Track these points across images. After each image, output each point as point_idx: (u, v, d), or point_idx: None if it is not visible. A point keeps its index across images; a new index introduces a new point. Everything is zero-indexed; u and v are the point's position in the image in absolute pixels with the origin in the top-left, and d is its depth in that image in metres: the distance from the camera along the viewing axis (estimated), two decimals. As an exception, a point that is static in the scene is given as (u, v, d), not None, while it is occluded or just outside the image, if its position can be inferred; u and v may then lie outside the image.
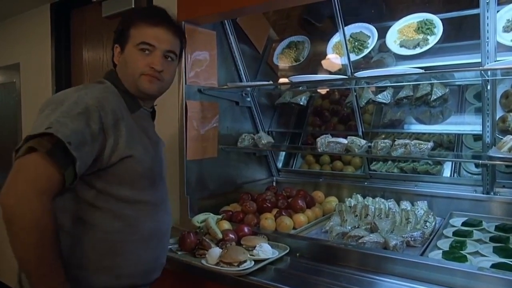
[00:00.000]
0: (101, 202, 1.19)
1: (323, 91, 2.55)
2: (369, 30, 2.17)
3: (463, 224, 1.76)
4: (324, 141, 1.94)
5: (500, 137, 1.73)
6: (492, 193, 1.87)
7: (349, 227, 1.74)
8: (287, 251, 1.63)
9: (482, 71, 1.63)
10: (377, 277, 1.41)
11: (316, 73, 2.32)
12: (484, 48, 1.66)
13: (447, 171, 2.08)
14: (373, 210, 1.88)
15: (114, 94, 1.26)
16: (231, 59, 2.36)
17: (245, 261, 1.50)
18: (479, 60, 1.68)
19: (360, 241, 1.58)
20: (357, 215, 1.88)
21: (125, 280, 1.23)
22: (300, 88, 2.36)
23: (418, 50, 1.95)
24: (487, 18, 1.63)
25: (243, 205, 2.05)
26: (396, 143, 1.75)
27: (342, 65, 2.18)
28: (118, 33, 1.33)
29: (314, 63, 2.37)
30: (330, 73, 2.26)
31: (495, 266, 1.35)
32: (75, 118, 1.09)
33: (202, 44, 2.12)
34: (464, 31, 1.96)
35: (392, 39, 2.06)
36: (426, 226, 1.74)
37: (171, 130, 2.19)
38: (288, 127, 2.72)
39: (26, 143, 1.04)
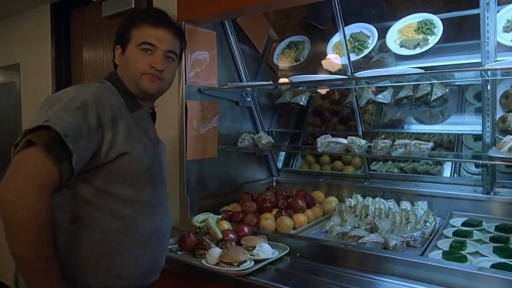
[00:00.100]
0: (100, 201, 1.19)
1: (323, 91, 2.55)
2: (369, 30, 2.17)
3: (463, 224, 1.76)
4: (324, 141, 1.94)
5: (500, 137, 1.73)
6: (492, 193, 1.87)
7: (349, 227, 1.74)
8: (287, 251, 1.62)
9: (482, 71, 1.63)
10: (377, 277, 1.41)
11: (316, 73, 2.32)
12: (484, 48, 1.66)
13: (447, 171, 2.08)
14: (373, 210, 1.88)
15: (113, 92, 1.27)
16: (231, 59, 2.35)
17: (245, 261, 1.50)
18: (479, 60, 1.68)
19: (360, 241, 1.58)
20: (357, 215, 1.88)
21: (124, 281, 1.23)
22: (300, 88, 2.36)
23: (418, 50, 1.95)
24: (487, 18, 1.63)
25: (243, 205, 2.05)
26: (396, 143, 1.75)
27: (342, 65, 2.18)
28: (120, 35, 1.34)
29: (314, 63, 2.37)
30: (330, 73, 2.26)
31: (495, 266, 1.35)
32: (72, 112, 1.09)
33: (202, 44, 2.12)
34: (464, 31, 1.96)
35: (392, 39, 2.06)
36: (426, 226, 1.74)
37: (171, 130, 2.19)
38: (288, 127, 2.72)
39: (24, 137, 1.04)
